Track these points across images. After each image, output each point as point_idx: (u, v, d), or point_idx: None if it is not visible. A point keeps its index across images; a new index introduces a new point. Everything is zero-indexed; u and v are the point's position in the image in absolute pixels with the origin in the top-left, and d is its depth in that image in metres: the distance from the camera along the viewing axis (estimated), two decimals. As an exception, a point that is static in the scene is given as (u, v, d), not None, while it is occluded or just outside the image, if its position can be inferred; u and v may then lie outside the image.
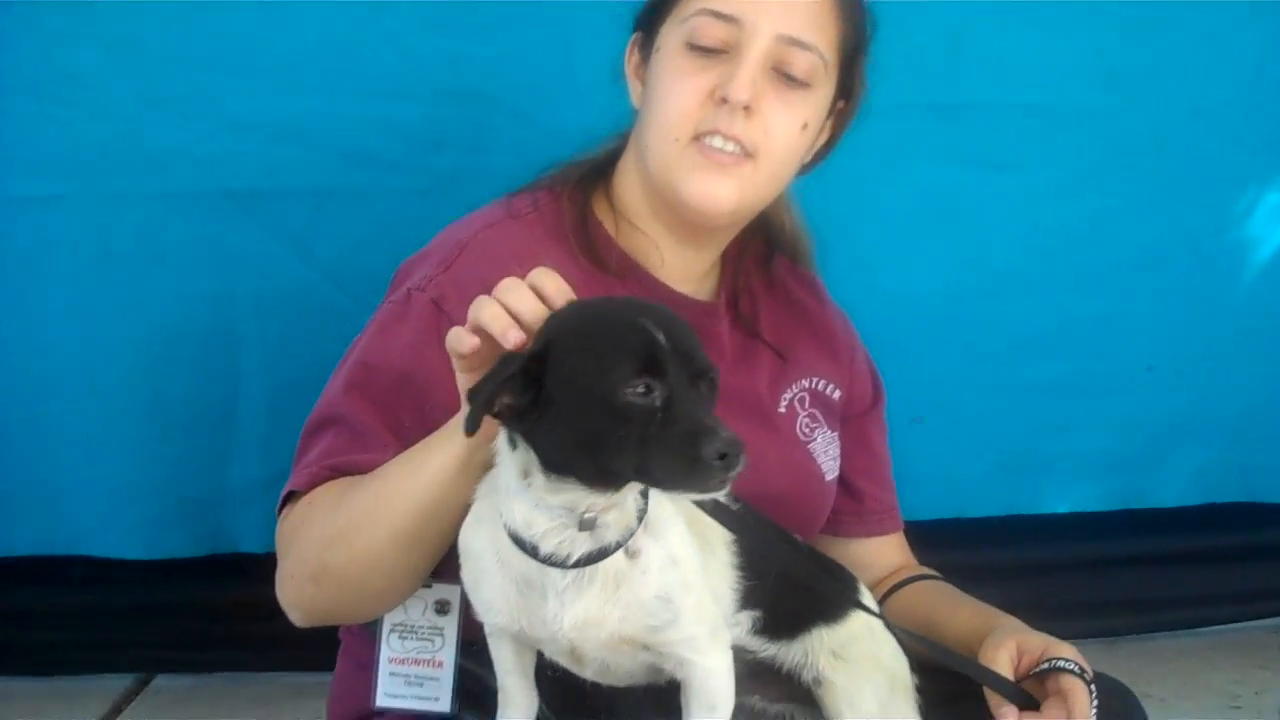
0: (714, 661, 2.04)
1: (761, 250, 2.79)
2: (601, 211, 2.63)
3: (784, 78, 2.44)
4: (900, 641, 2.34)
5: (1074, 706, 2.21)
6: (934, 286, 3.73)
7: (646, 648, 2.02)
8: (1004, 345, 3.83)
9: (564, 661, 2.10)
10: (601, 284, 2.48)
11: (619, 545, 1.96)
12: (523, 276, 1.97)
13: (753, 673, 2.23)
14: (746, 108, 2.40)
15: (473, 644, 2.28)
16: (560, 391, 1.83)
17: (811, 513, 2.70)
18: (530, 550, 1.94)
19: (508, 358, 1.87)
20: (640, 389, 1.80)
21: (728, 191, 2.45)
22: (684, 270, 2.63)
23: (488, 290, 1.97)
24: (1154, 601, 4.19)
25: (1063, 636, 2.35)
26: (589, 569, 1.95)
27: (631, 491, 1.94)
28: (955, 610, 2.60)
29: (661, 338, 1.83)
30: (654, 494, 2.00)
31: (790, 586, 2.21)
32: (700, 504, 2.07)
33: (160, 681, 3.91)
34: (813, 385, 2.75)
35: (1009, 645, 2.32)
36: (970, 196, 3.69)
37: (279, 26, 3.39)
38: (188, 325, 3.52)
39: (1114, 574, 4.16)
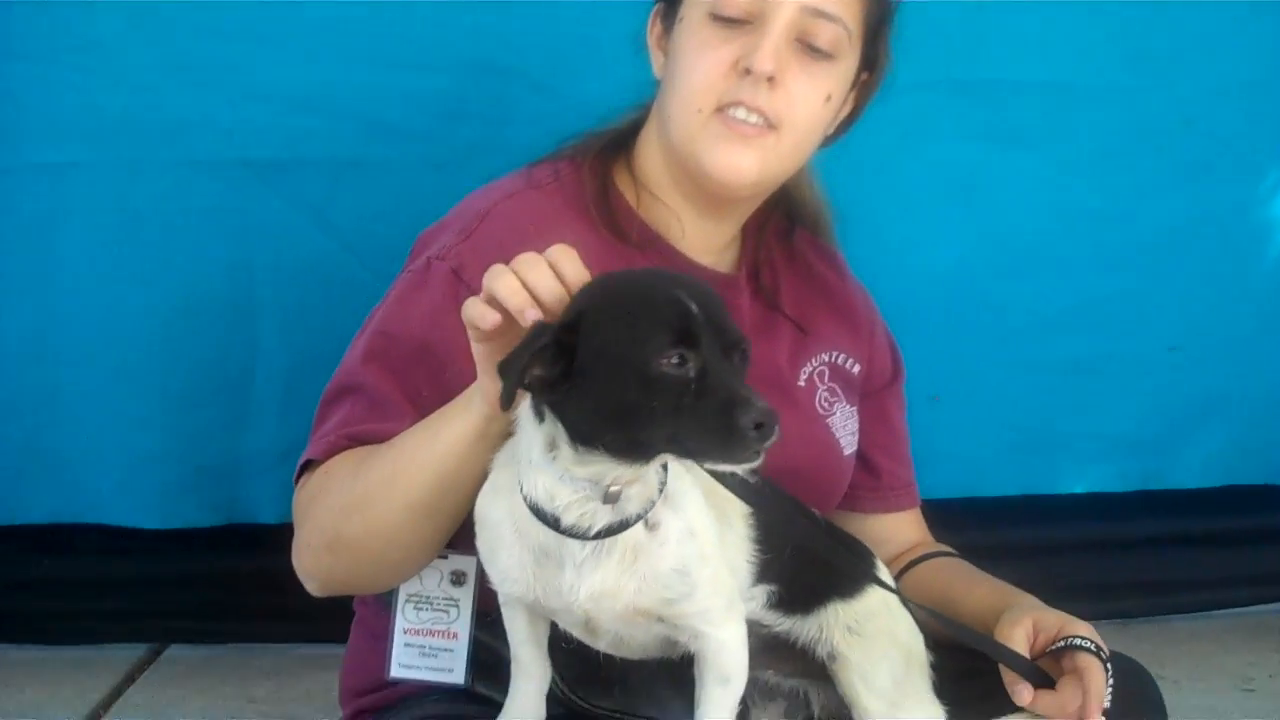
0: (728, 634, 2.05)
1: (782, 223, 2.78)
2: (623, 182, 2.62)
3: (808, 49, 2.42)
4: (916, 618, 2.34)
5: (1090, 685, 2.21)
6: (954, 264, 3.72)
7: (661, 620, 2.02)
8: (1023, 324, 3.82)
9: (578, 633, 2.10)
10: (622, 255, 2.47)
11: (639, 517, 1.96)
12: (542, 249, 1.96)
13: (767, 647, 2.24)
14: (770, 79, 2.39)
15: (487, 615, 2.29)
16: (592, 362, 1.83)
17: (829, 487, 2.70)
18: (551, 522, 1.94)
19: (539, 328, 1.86)
20: (674, 360, 1.80)
21: (750, 163, 2.44)
22: (705, 242, 2.62)
23: (507, 261, 1.96)
24: (1168, 583, 4.18)
25: (1076, 617, 2.34)
26: (607, 540, 1.95)
27: (656, 464, 1.94)
28: (971, 587, 2.60)
29: (695, 309, 1.82)
30: (672, 466, 2.00)
31: (807, 561, 2.21)
32: (718, 477, 2.06)
33: (173, 651, 3.91)
34: (832, 359, 2.74)
35: (1025, 623, 2.32)
36: (992, 174, 3.68)
37: (300, -4, 3.38)
38: (205, 294, 3.52)
39: (1128, 555, 4.14)
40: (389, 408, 2.33)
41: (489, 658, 2.35)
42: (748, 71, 2.39)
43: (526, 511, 1.96)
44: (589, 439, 1.87)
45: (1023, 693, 2.23)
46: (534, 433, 1.94)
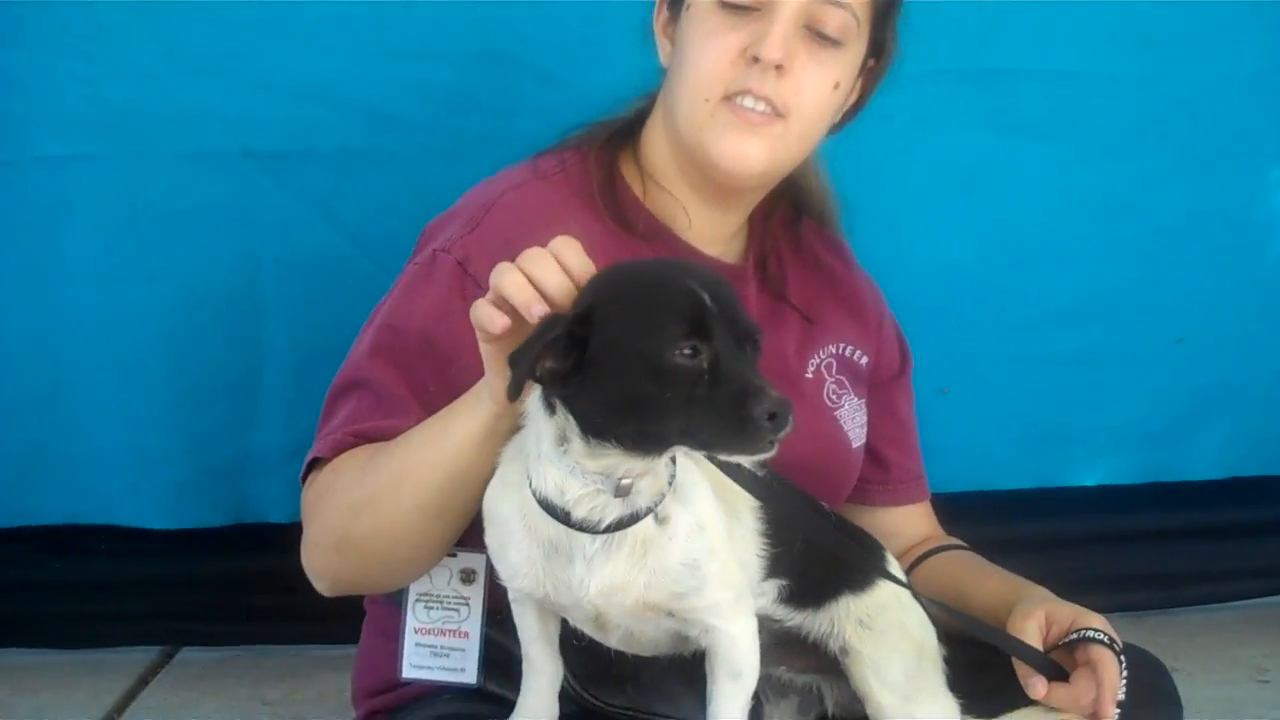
0: (738, 628, 2.04)
1: (789, 213, 2.77)
2: (629, 173, 2.61)
3: (816, 36, 2.41)
4: (928, 611, 2.33)
5: (1103, 677, 2.20)
6: (962, 255, 3.70)
7: (671, 615, 2.01)
8: (1032, 315, 3.80)
9: (588, 629, 2.09)
10: (628, 246, 2.46)
11: (649, 511, 1.95)
12: (548, 241, 1.95)
13: (779, 642, 2.23)
14: (778, 67, 2.37)
15: (498, 613, 2.28)
16: (605, 354, 1.82)
17: (838, 480, 2.69)
18: (561, 516, 1.93)
19: (550, 320, 1.85)
20: (688, 351, 1.79)
21: (757, 151, 2.43)
22: (711, 232, 2.61)
23: (514, 252, 1.95)
24: (1181, 575, 4.16)
25: (1088, 609, 2.33)
26: (617, 534, 1.94)
27: (667, 457, 1.93)
28: (983, 580, 2.59)
29: (708, 300, 1.82)
30: (681, 460, 1.99)
31: (817, 555, 2.20)
32: (728, 471, 2.05)
33: (186, 654, 3.90)
34: (840, 351, 2.73)
35: (1038, 615, 2.31)
36: (1000, 164, 3.66)
37: (305, -14, 3.37)
38: (212, 288, 3.50)
39: (1141, 547, 4.12)
40: (395, 403, 2.32)
41: (500, 656, 2.34)
42: (756, 59, 2.38)
43: (535, 506, 1.95)
44: (601, 432, 1.86)
45: (1036, 685, 2.23)
46: (544, 426, 1.93)
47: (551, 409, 1.92)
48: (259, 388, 3.55)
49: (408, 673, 2.40)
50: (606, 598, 1.97)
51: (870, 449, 2.80)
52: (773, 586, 2.19)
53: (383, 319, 2.44)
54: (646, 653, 2.14)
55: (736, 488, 2.09)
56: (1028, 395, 3.87)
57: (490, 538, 2.07)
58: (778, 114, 2.42)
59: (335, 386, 2.44)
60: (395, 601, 2.42)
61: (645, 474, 1.92)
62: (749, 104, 2.40)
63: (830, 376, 2.71)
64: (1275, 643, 3.99)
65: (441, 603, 2.38)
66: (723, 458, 1.98)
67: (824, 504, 2.38)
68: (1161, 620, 4.06)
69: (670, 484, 1.98)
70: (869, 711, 2.23)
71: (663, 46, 2.59)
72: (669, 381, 1.79)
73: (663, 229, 2.57)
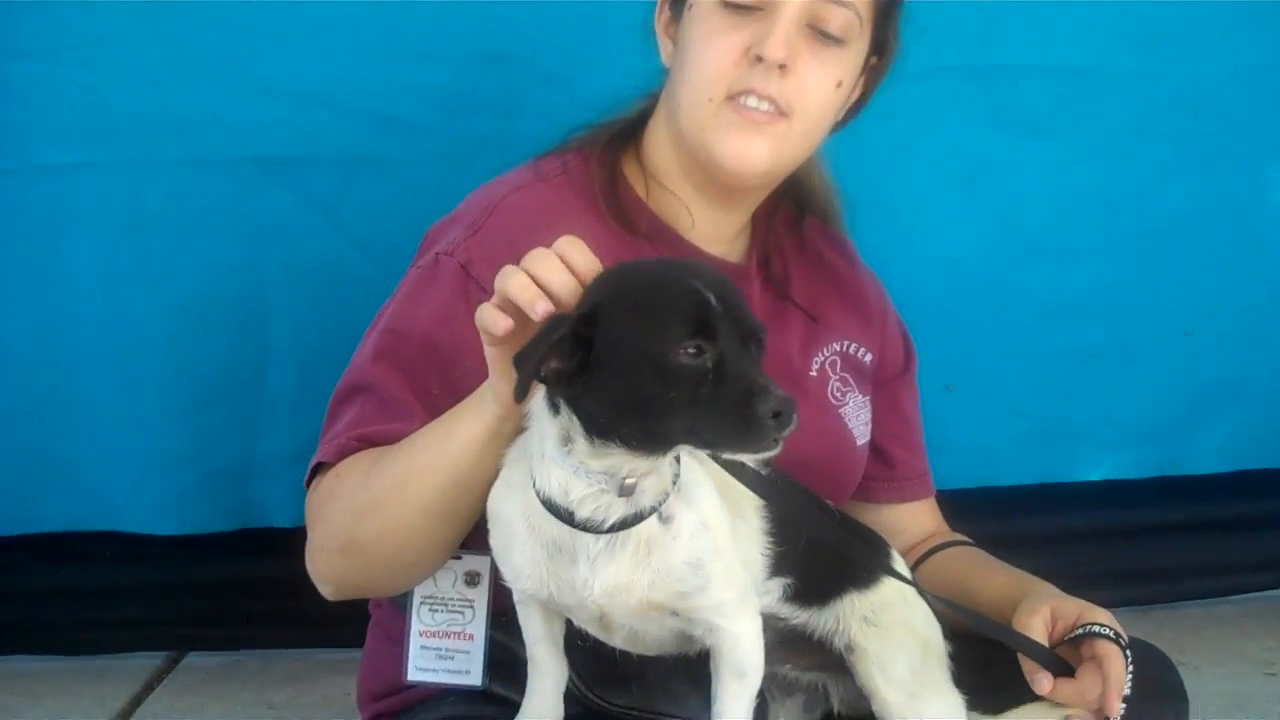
0: (743, 627, 2.03)
1: (791, 212, 2.76)
2: (631, 173, 2.61)
3: (819, 34, 2.41)
4: (933, 608, 2.32)
5: (1109, 672, 2.19)
6: (966, 252, 3.69)
7: (675, 614, 2.01)
8: (1037, 311, 3.80)
9: (592, 629, 2.09)
10: (631, 247, 2.45)
11: (653, 510, 1.95)
12: (550, 242, 1.95)
13: (784, 641, 2.23)
14: (782, 66, 2.37)
15: (502, 615, 2.28)
16: (610, 354, 1.82)
17: (843, 478, 2.69)
18: (565, 516, 1.93)
19: (555, 320, 1.85)
20: (692, 350, 1.79)
21: (760, 150, 2.43)
22: (715, 232, 2.61)
23: (516, 254, 1.95)
24: (1187, 570, 4.14)
25: (1095, 605, 2.33)
26: (621, 534, 1.94)
27: (671, 456, 1.93)
28: (988, 576, 2.59)
29: (713, 299, 1.82)
30: (685, 459, 1.99)
31: (821, 552, 2.20)
32: (731, 469, 2.06)
33: (192, 659, 3.90)
34: (844, 348, 2.73)
35: (1043, 611, 2.30)
36: (1004, 160, 3.65)
37: (307, -10, 3.37)
38: (215, 294, 3.50)
39: (1146, 542, 4.11)
40: (399, 407, 2.32)
41: (505, 658, 2.34)
42: (759, 59, 2.38)
43: (539, 506, 1.95)
44: (606, 431, 1.86)
45: (1042, 681, 2.22)
46: (548, 426, 1.93)
47: (556, 409, 1.92)
48: (263, 392, 3.56)
49: (413, 675, 2.40)
50: (610, 598, 1.96)
51: (875, 446, 2.79)
52: (777, 585, 2.18)
53: (386, 323, 2.44)
54: (651, 653, 2.14)
55: (740, 486, 2.09)
56: (1032, 391, 3.87)
57: (494, 539, 2.06)
58: (781, 113, 2.41)
59: (339, 391, 2.44)
60: (400, 605, 2.42)
61: (649, 473, 1.92)
62: (753, 103, 2.40)
63: (834, 374, 2.71)
64: (1282, 636, 4.00)
65: (446, 605, 2.38)
66: (727, 456, 1.98)
67: (828, 502, 2.38)
68: (1167, 615, 4.05)
69: (674, 483, 1.97)
70: (874, 709, 2.22)
71: (664, 46, 2.59)
72: (674, 381, 1.79)
73: (666, 229, 2.57)
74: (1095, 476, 3.98)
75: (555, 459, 1.92)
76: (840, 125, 2.61)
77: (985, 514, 3.09)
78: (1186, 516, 4.10)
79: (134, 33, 3.33)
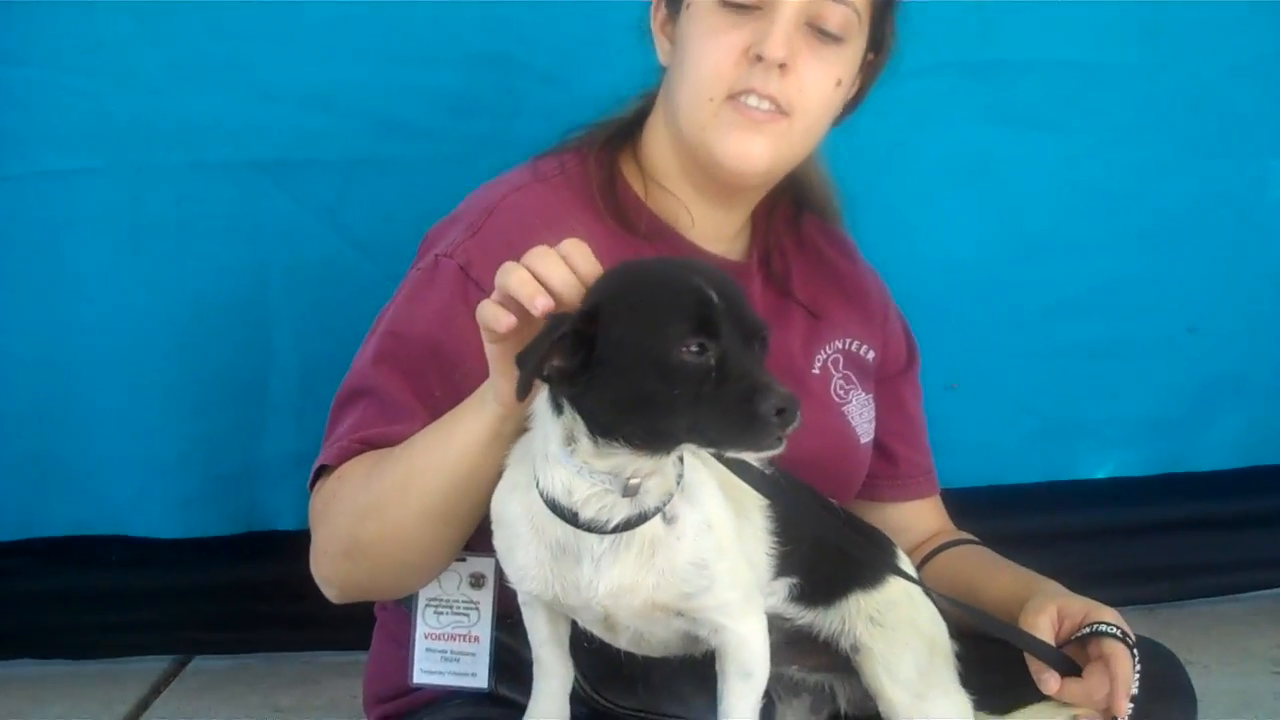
0: (748, 627, 2.03)
1: (790, 209, 2.76)
2: (629, 173, 2.61)
3: (818, 33, 2.40)
4: (939, 607, 2.32)
5: (1117, 671, 2.19)
6: (968, 249, 3.68)
7: (680, 614, 2.01)
8: (1041, 308, 3.78)
9: (598, 631, 2.09)
10: (630, 246, 2.45)
11: (657, 510, 1.95)
12: (550, 243, 1.95)
13: (790, 641, 2.23)
14: (782, 65, 2.37)
15: (508, 618, 2.28)
16: (612, 353, 1.82)
17: (847, 477, 2.68)
18: (569, 517, 1.93)
19: (557, 319, 1.85)
20: (694, 348, 1.79)
21: (761, 150, 2.43)
22: (714, 231, 2.61)
23: (516, 254, 1.94)
24: (1194, 567, 4.13)
25: (1100, 603, 2.32)
26: (625, 534, 1.94)
27: (675, 455, 1.93)
28: (994, 575, 2.58)
29: (715, 297, 1.82)
30: (689, 459, 1.99)
31: (826, 552, 2.20)
32: (735, 469, 2.05)
33: (199, 663, 3.90)
34: (846, 346, 2.72)
35: (1050, 610, 2.30)
36: (1006, 156, 3.64)
37: (307, -6, 3.36)
38: (218, 298, 3.50)
39: (1153, 540, 4.09)
40: (401, 410, 2.32)
41: (511, 660, 2.34)
42: (759, 59, 2.37)
43: (543, 507, 1.95)
44: (609, 431, 1.86)
45: (1049, 681, 2.22)
46: (551, 426, 1.93)
47: (559, 409, 1.91)
48: (267, 396, 3.56)
49: (418, 678, 2.40)
50: (615, 598, 1.96)
51: (879, 444, 2.79)
52: (783, 585, 2.18)
53: (386, 326, 2.44)
54: (656, 654, 2.14)
55: (745, 486, 2.08)
56: (1036, 389, 3.85)
57: (498, 540, 2.06)
58: (781, 112, 2.41)
59: (340, 394, 2.44)
60: (405, 607, 2.42)
61: (653, 473, 1.92)
62: (753, 103, 2.40)
63: (837, 372, 2.71)
64: (1290, 634, 3.99)
65: (451, 608, 2.38)
66: (731, 455, 1.97)
67: (833, 501, 2.37)
68: (1174, 613, 4.04)
69: (678, 483, 1.97)
70: (881, 709, 2.22)
71: (661, 45, 2.58)
72: (676, 379, 1.79)
73: (665, 228, 2.57)
74: (1101, 474, 3.96)
75: (559, 459, 1.92)
76: (837, 121, 2.60)
77: (990, 512, 3.08)
78: (1193, 514, 4.09)
79: (135, 38, 3.33)
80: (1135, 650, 2.22)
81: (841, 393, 2.69)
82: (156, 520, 3.63)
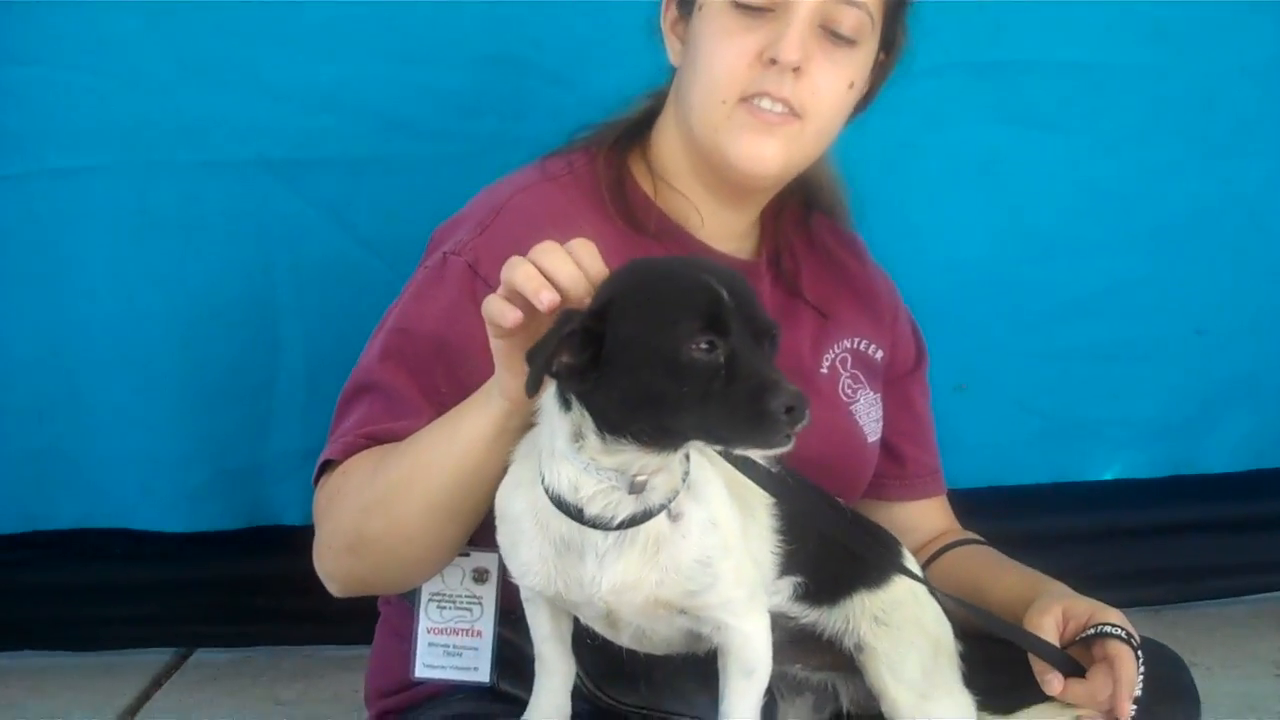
0: (751, 626, 2.03)
1: (800, 209, 2.76)
2: (639, 172, 2.60)
3: (831, 35, 2.40)
4: (944, 607, 2.31)
5: (1121, 673, 2.18)
6: (977, 249, 3.68)
7: (683, 612, 2.00)
8: (1049, 309, 3.78)
9: (600, 627, 2.09)
10: (639, 246, 2.45)
11: (662, 507, 1.95)
12: (559, 241, 1.95)
13: (794, 640, 2.22)
14: (796, 69, 2.37)
15: (511, 613, 2.28)
16: (621, 350, 1.82)
17: (853, 476, 2.68)
18: (574, 513, 1.93)
19: (567, 315, 1.85)
20: (704, 346, 1.79)
21: (774, 152, 2.43)
22: (724, 230, 2.61)
23: (523, 253, 1.94)
24: (1200, 569, 4.13)
25: (1107, 604, 2.31)
26: (630, 531, 1.94)
27: (682, 453, 1.93)
28: (1000, 575, 2.57)
29: (725, 295, 1.82)
30: (695, 457, 1.99)
31: (832, 551, 2.19)
32: (742, 467, 2.05)
33: (200, 655, 3.91)
34: (855, 345, 2.72)
35: (1055, 611, 2.29)
36: (1014, 157, 3.64)
37: (315, -7, 3.36)
38: (226, 295, 3.51)
39: (1158, 541, 4.09)
40: (406, 406, 2.32)
41: (514, 655, 2.34)
42: (773, 61, 2.37)
43: (548, 503, 1.95)
44: (617, 427, 1.86)
45: (1053, 682, 2.21)
46: (559, 422, 1.93)
47: (567, 405, 1.91)
48: (273, 392, 3.56)
49: (420, 672, 2.40)
50: (618, 595, 1.96)
51: (886, 444, 2.79)
52: (787, 584, 2.18)
53: (394, 322, 2.44)
54: (659, 651, 2.13)
55: (751, 484, 2.08)
56: (1044, 389, 3.85)
57: (502, 535, 2.06)
58: (794, 114, 2.41)
59: (347, 390, 2.44)
60: (408, 602, 2.42)
61: (660, 470, 1.92)
62: (766, 105, 2.40)
63: (845, 371, 2.70)
64: (1293, 637, 3.98)
65: (454, 602, 2.38)
66: (739, 453, 1.98)
67: (839, 500, 2.37)
68: (1179, 614, 4.03)
69: (684, 481, 1.97)
70: (884, 709, 2.21)
71: (672, 45, 2.58)
72: (686, 376, 1.79)
73: (674, 228, 2.57)
74: (1108, 475, 3.96)
75: (566, 455, 1.92)
76: (847, 121, 2.59)
77: (997, 513, 3.07)
78: (1199, 516, 4.09)
79: (141, 36, 3.33)
80: (1140, 652, 2.22)
81: (849, 392, 2.69)
82: (162, 514, 3.63)
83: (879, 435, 2.73)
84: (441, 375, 2.33)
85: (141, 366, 3.51)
